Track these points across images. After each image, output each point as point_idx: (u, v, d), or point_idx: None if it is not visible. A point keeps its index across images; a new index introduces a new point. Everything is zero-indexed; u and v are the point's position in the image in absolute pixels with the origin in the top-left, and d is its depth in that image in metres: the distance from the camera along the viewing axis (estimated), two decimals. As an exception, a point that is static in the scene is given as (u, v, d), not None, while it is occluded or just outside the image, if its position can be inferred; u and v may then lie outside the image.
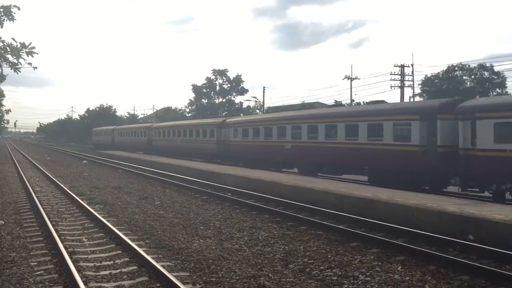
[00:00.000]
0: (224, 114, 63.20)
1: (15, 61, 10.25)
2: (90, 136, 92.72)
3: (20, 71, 10.39)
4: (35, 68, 10.41)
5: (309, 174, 21.85)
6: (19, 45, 10.23)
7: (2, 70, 10.93)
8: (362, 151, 19.21)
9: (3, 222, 11.67)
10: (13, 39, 10.18)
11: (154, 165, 29.91)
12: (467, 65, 47.85)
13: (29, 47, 10.19)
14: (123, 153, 44.09)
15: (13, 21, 10.32)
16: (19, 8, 10.28)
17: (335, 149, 20.78)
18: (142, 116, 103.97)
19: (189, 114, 73.83)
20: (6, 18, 10.26)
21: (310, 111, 24.47)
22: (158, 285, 6.87)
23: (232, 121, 32.63)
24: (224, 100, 72.19)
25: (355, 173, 21.42)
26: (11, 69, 10.39)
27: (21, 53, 10.26)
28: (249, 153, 28.79)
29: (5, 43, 10.16)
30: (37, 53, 10.24)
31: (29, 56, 10.22)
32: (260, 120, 29.05)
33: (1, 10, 10.22)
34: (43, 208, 13.07)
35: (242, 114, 62.02)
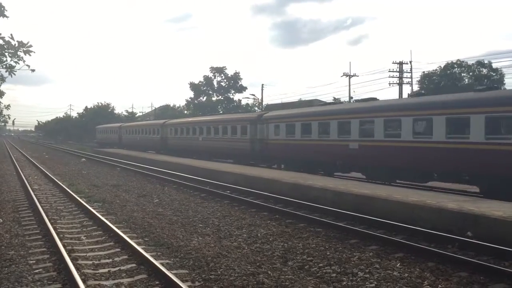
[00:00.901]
0: (220, 111, 63.12)
1: (12, 62, 10.20)
2: (90, 134, 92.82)
3: (15, 74, 10.35)
4: (33, 70, 10.38)
5: (381, 181, 18.13)
6: (16, 44, 10.18)
7: (1, 75, 10.89)
8: (469, 153, 14.54)
9: (2, 220, 11.65)
10: (11, 36, 10.13)
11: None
12: (465, 62, 47.95)
13: (27, 45, 10.14)
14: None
15: (6, 17, 10.25)
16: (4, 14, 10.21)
17: (425, 150, 16.05)
18: (141, 114, 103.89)
19: (187, 112, 73.67)
20: None
21: (388, 102, 20.74)
22: (157, 282, 6.87)
23: (272, 115, 26.99)
24: (222, 98, 72.07)
25: (451, 180, 16.72)
26: (6, 71, 10.34)
27: (18, 52, 10.21)
28: (294, 154, 23.63)
29: (5, 40, 10.10)
30: (34, 52, 10.19)
31: (27, 55, 10.18)
32: (312, 114, 23.00)
33: None
34: (41, 206, 13.05)
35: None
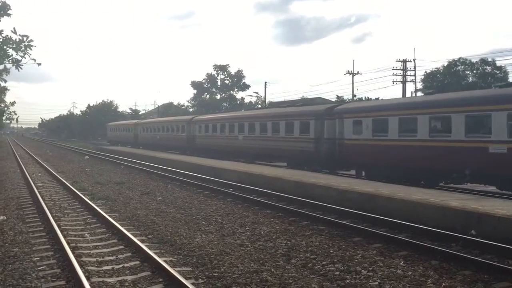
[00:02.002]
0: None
1: (18, 57, 10.23)
2: (93, 131, 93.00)
3: (21, 68, 10.36)
4: (39, 64, 10.38)
5: None
6: (18, 39, 10.20)
7: (5, 66, 10.89)
8: None
9: (6, 218, 11.69)
10: (13, 31, 10.14)
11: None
12: (468, 60, 47.78)
13: (28, 40, 10.16)
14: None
15: (9, 16, 10.27)
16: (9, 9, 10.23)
17: None
18: (144, 112, 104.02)
19: (192, 110, 73.69)
20: (2, 12, 10.21)
21: None
22: (160, 280, 6.88)
23: (350, 107, 21.76)
24: (225, 96, 72.11)
25: None
26: (12, 65, 10.35)
27: (20, 46, 10.23)
28: (386, 158, 18.01)
29: (6, 36, 10.12)
30: (35, 46, 10.20)
31: (28, 49, 10.19)
32: (417, 105, 17.67)
33: None
34: (45, 204, 13.08)
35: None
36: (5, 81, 12.78)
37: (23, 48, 10.04)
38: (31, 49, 10.10)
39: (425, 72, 50.40)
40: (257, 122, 27.83)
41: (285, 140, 24.83)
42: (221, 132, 31.88)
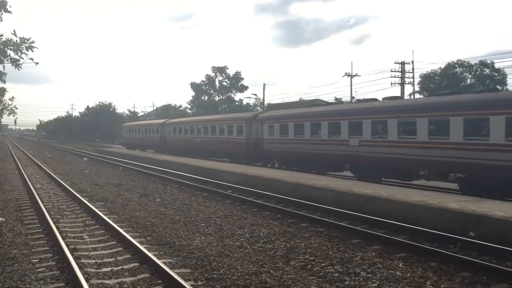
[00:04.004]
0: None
1: (16, 57, 10.23)
2: (91, 133, 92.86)
3: (21, 67, 10.36)
4: (37, 63, 10.38)
5: None
6: (18, 40, 10.21)
7: (4, 66, 10.89)
8: None
9: (4, 219, 11.68)
10: (13, 33, 10.15)
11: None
12: (466, 62, 47.89)
13: (29, 42, 10.17)
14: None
15: (10, 13, 10.26)
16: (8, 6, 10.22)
17: None
18: (142, 113, 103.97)
19: (190, 112, 73.72)
20: (2, 11, 10.21)
21: None
22: (159, 281, 6.88)
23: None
24: (224, 98, 72.13)
25: None
26: (12, 65, 10.35)
27: (21, 48, 10.24)
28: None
29: (6, 38, 10.13)
30: (37, 48, 10.22)
31: (29, 51, 10.20)
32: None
33: None
34: (44, 205, 13.07)
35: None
36: (4, 82, 12.77)
37: (24, 50, 10.05)
38: (32, 51, 10.11)
39: (420, 74, 50.53)
40: (367, 121, 20.90)
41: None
42: (301, 134, 23.75)
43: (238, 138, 30.03)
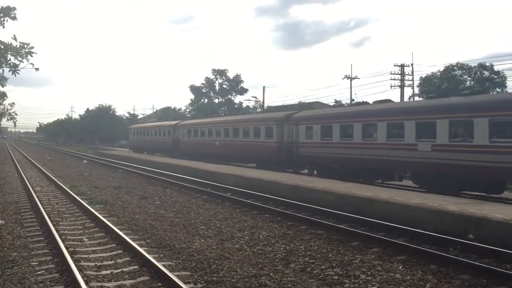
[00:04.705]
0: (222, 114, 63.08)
1: (16, 62, 10.23)
2: (91, 136, 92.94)
3: (19, 73, 10.37)
4: (37, 69, 10.38)
5: None
6: (18, 45, 10.20)
7: (3, 71, 10.88)
8: None
9: (4, 222, 11.68)
10: (13, 37, 10.15)
11: None
12: (466, 65, 47.97)
13: (28, 47, 10.17)
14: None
15: (15, 20, 10.27)
16: (15, 15, 10.21)
17: None
18: (142, 116, 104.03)
19: (189, 115, 73.78)
20: (7, 18, 10.22)
21: None
22: (159, 284, 6.88)
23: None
24: (223, 100, 72.22)
25: None
26: (9, 71, 10.35)
27: (20, 53, 10.23)
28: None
29: (6, 43, 10.13)
30: (36, 53, 10.21)
31: (28, 56, 10.20)
32: None
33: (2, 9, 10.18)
34: (43, 208, 13.06)
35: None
36: (3, 86, 12.79)
37: (23, 55, 10.04)
38: (32, 56, 10.11)
39: (420, 77, 50.60)
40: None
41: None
42: (349, 137, 20.72)
43: (267, 142, 26.73)
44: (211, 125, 34.97)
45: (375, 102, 22.42)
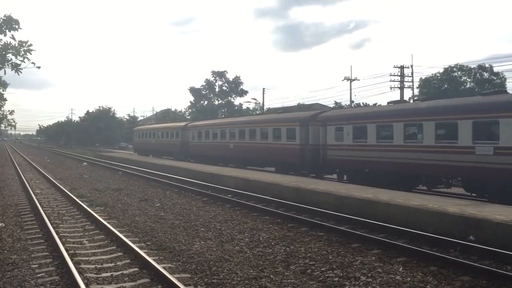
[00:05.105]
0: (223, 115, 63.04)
1: (17, 61, 10.26)
2: (91, 138, 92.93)
3: (21, 72, 10.39)
4: (38, 67, 10.40)
5: None
6: (17, 44, 10.23)
7: (5, 72, 10.91)
8: None
9: (4, 225, 11.67)
10: (11, 37, 10.18)
11: None
12: (465, 66, 48.00)
13: (27, 45, 10.20)
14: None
15: (17, 31, 10.31)
16: (18, 26, 10.24)
17: None
18: (142, 118, 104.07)
19: (189, 116, 73.74)
20: (8, 28, 10.25)
21: None
22: (159, 286, 6.87)
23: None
24: (223, 102, 72.20)
25: None
26: (12, 70, 10.37)
27: (20, 51, 10.26)
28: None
29: (4, 42, 10.16)
30: (35, 50, 10.24)
31: (27, 53, 10.23)
32: None
33: (4, 19, 10.21)
34: (43, 210, 13.07)
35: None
36: (5, 88, 12.82)
37: (22, 53, 10.08)
38: (30, 54, 10.14)
39: (420, 78, 50.70)
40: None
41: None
42: (388, 139, 18.70)
43: (289, 144, 24.48)
44: (224, 126, 32.63)
45: (419, 100, 20.61)
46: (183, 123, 41.85)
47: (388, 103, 21.71)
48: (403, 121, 17.81)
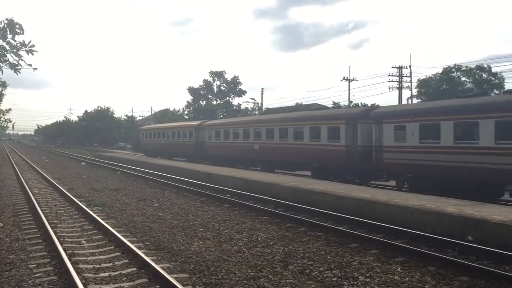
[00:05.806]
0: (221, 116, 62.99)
1: (15, 61, 10.22)
2: (89, 138, 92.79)
3: (20, 72, 10.35)
4: (35, 69, 10.36)
5: None
6: (18, 44, 10.19)
7: (2, 72, 10.86)
8: None
9: (2, 224, 11.64)
10: (11, 37, 10.13)
11: None
12: (464, 66, 48.07)
13: (29, 45, 10.15)
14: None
15: (19, 35, 10.26)
16: (22, 31, 10.19)
17: None
18: (140, 117, 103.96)
19: (187, 116, 73.70)
20: (12, 33, 10.19)
21: None
22: (157, 286, 6.86)
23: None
24: (221, 102, 72.18)
25: None
26: (11, 69, 10.33)
27: (20, 52, 10.22)
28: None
29: (5, 41, 10.12)
30: (37, 51, 10.19)
31: (29, 54, 10.18)
32: None
33: (6, 23, 10.17)
34: (41, 210, 13.03)
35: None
36: (4, 88, 12.83)
37: (24, 56, 10.03)
38: (33, 54, 10.09)
39: (418, 79, 50.71)
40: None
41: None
42: (468, 140, 15.54)
43: (331, 145, 21.27)
44: (248, 125, 29.43)
45: (507, 92, 17.19)
46: (197, 122, 39.15)
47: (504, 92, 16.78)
48: (493, 117, 14.11)
